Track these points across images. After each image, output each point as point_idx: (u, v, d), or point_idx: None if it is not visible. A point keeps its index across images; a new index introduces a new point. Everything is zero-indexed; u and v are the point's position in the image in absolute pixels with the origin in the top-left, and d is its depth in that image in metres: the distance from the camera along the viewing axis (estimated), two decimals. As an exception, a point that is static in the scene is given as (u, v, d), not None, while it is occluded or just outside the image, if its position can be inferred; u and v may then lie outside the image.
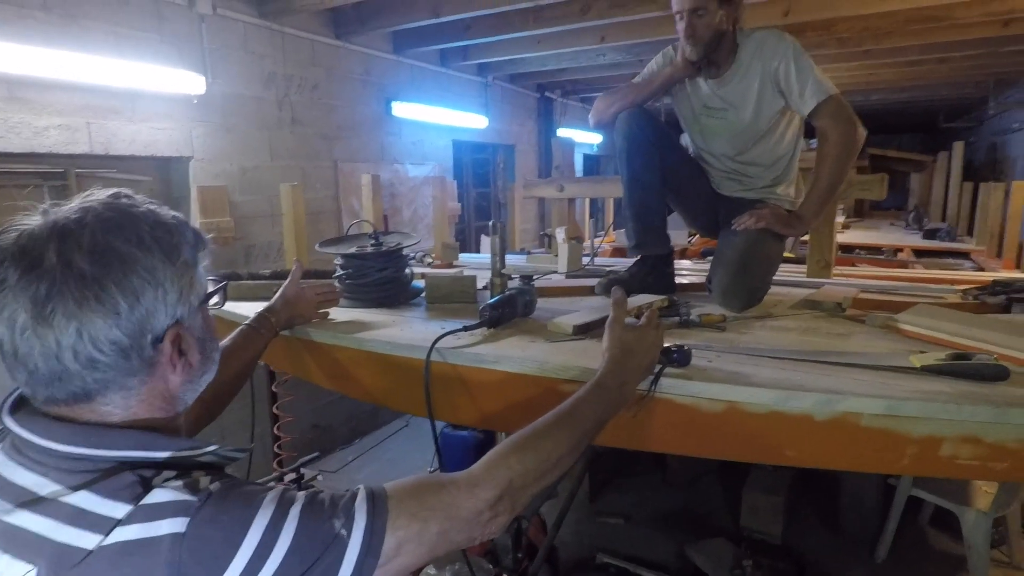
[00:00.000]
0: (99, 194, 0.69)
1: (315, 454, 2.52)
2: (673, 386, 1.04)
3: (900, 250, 4.83)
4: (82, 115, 2.87)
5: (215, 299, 0.81)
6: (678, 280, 1.99)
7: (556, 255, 2.68)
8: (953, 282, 2.18)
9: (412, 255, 3.14)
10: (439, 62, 5.24)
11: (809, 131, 1.87)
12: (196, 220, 3.33)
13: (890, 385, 1.00)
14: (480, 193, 6.53)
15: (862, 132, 1.68)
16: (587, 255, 2.76)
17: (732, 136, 1.82)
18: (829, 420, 0.97)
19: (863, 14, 4.01)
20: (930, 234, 5.38)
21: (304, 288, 1.49)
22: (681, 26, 1.70)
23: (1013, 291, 1.67)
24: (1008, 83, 7.17)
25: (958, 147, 6.82)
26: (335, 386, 1.50)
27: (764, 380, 1.03)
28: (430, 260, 2.99)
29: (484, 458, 0.79)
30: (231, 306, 1.73)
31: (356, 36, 4.28)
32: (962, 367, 1.02)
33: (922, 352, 1.14)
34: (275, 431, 2.83)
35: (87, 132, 2.90)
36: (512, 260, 2.87)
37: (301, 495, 0.66)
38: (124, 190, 0.72)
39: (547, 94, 7.06)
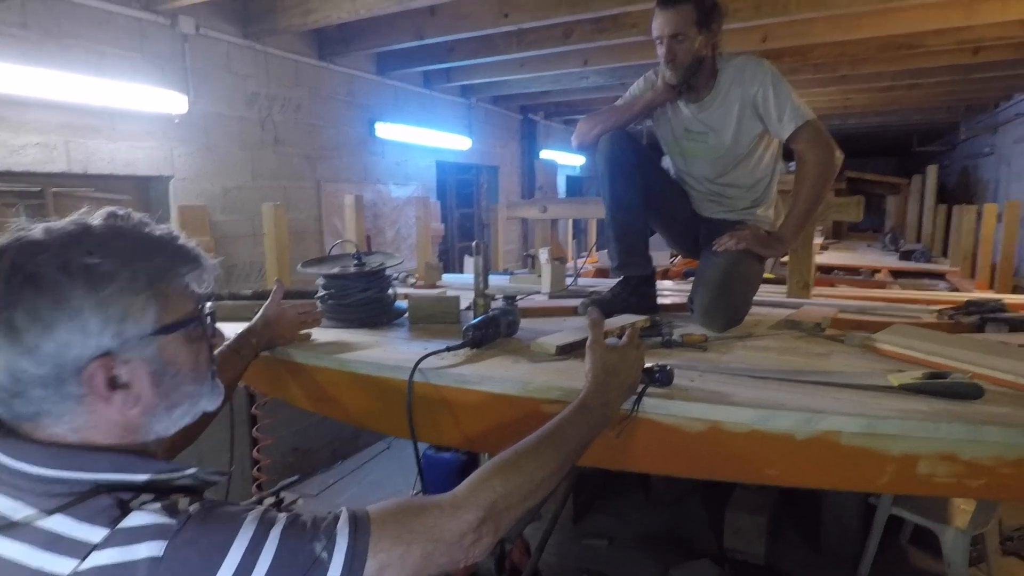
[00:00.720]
0: (96, 213, 0.69)
1: (295, 477, 2.48)
2: (656, 406, 1.05)
3: (877, 271, 4.91)
4: (60, 133, 2.85)
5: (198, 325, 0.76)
6: (660, 300, 2.01)
7: (539, 275, 2.69)
8: (929, 302, 2.22)
9: (395, 275, 3.13)
10: (423, 83, 5.29)
11: (788, 154, 1.90)
12: (176, 239, 3.28)
13: (869, 404, 1.01)
14: (463, 214, 6.55)
15: (839, 156, 1.72)
16: (570, 275, 2.77)
17: (712, 159, 1.85)
18: (809, 439, 0.97)
19: (838, 41, 4.13)
20: (906, 255, 5.49)
21: (286, 308, 1.48)
22: (662, 51, 1.73)
23: (986, 311, 1.71)
24: (978, 109, 7.41)
25: (932, 170, 7.01)
26: (316, 408, 1.48)
27: (745, 399, 1.04)
28: (413, 280, 2.98)
29: (467, 480, 0.78)
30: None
31: (340, 57, 4.30)
32: (938, 386, 1.03)
33: (899, 371, 1.16)
34: (254, 454, 2.78)
35: (65, 151, 2.87)
36: (495, 280, 2.87)
37: (282, 516, 0.65)
38: (118, 209, 0.71)
39: (530, 116, 7.14)
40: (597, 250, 4.30)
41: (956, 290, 3.84)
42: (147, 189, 3.39)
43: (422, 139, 5.19)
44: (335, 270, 1.82)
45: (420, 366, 1.24)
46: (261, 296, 2.05)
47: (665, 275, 4.00)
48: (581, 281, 2.86)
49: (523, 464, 0.81)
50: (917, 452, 0.93)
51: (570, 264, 3.08)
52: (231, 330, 1.38)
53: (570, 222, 5.05)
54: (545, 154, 7.42)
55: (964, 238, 4.48)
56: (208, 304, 0.78)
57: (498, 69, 4.97)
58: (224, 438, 1.74)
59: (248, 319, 1.40)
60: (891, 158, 12.61)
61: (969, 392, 1.02)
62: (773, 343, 1.52)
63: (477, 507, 0.74)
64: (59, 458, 0.62)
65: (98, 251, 0.65)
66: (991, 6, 3.45)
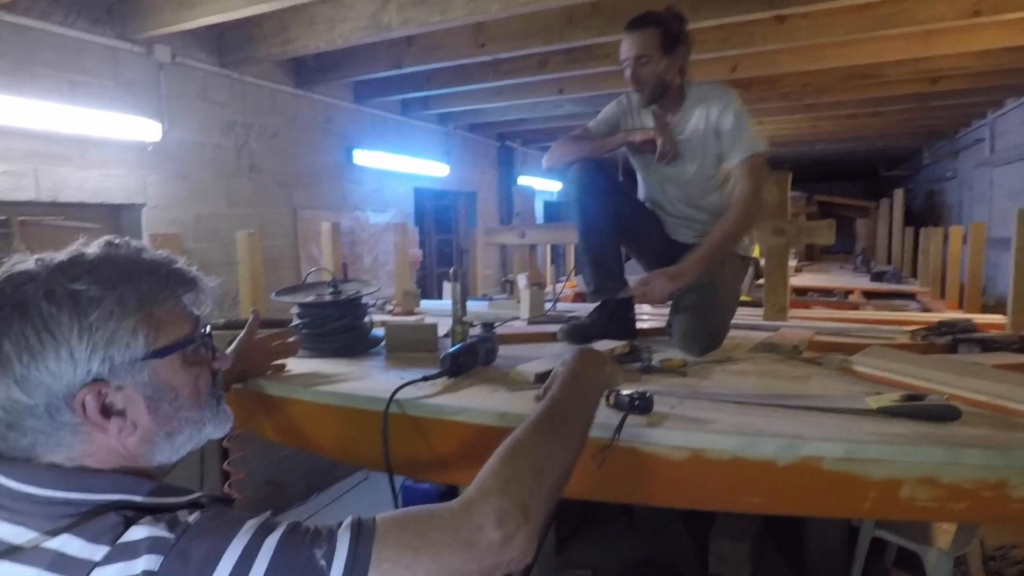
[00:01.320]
0: (94, 242, 0.70)
1: (268, 513, 2.39)
2: (637, 434, 1.03)
3: (850, 292, 5.00)
4: (29, 161, 2.79)
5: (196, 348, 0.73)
6: (639, 325, 2.01)
7: (518, 301, 2.68)
8: (902, 323, 2.25)
9: (373, 302, 3.09)
10: (400, 111, 5.31)
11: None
12: (147, 269, 3.23)
13: (849, 428, 1.00)
14: (442, 240, 6.54)
15: (765, 200, 1.72)
16: (549, 301, 2.76)
17: (684, 182, 1.87)
18: (792, 465, 0.96)
19: (803, 71, 4.26)
20: (877, 277, 5.61)
21: (261, 338, 1.44)
22: (628, 73, 1.77)
23: (958, 331, 1.74)
24: (939, 135, 7.67)
25: (899, 194, 7.21)
26: (290, 441, 1.44)
27: (727, 426, 1.02)
28: (391, 307, 2.95)
29: (474, 479, 0.73)
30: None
31: (317, 86, 4.31)
32: (916, 408, 1.03)
33: (877, 393, 1.16)
34: (225, 489, 2.68)
35: (34, 179, 2.80)
36: (474, 306, 2.85)
37: (283, 524, 0.63)
38: (115, 237, 0.71)
39: (507, 143, 7.20)
40: (575, 275, 4.31)
41: (927, 310, 3.92)
42: (118, 217, 3.33)
43: (400, 166, 5.20)
44: (310, 299, 1.79)
45: (396, 396, 1.21)
46: (234, 325, 2.00)
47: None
48: (560, 306, 2.85)
49: (527, 441, 0.76)
50: (899, 476, 0.92)
51: (549, 289, 3.08)
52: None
53: (548, 247, 5.07)
54: (523, 180, 7.46)
55: (932, 259, 4.59)
56: (208, 326, 0.77)
57: (475, 97, 5.02)
58: (194, 472, 1.68)
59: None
60: (859, 182, 12.94)
61: (946, 414, 1.02)
62: (752, 367, 1.52)
63: (488, 495, 0.67)
64: (63, 479, 0.63)
65: (86, 277, 0.65)
66: (947, 38, 3.59)
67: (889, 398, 1.08)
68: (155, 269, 0.70)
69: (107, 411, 0.66)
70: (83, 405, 0.64)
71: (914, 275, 5.88)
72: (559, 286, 3.28)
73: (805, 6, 2.93)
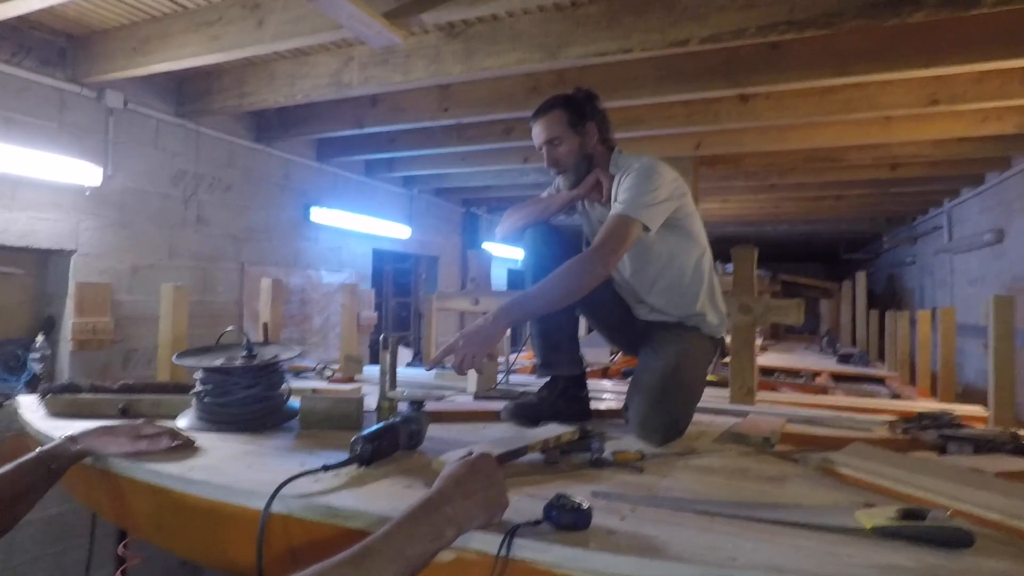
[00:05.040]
0: None
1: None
2: (572, 558, 0.79)
3: (818, 374, 4.88)
4: (-55, 200, 2.55)
5: None
6: (597, 405, 1.80)
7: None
8: (877, 411, 2.10)
9: (314, 366, 2.84)
10: (364, 172, 5.20)
11: (724, 256, 1.77)
12: (70, 319, 2.96)
13: (840, 556, 0.79)
14: (400, 303, 6.33)
15: (603, 269, 1.49)
16: (502, 372, 2.55)
17: (628, 256, 1.69)
18: (770, 607, 0.74)
19: (767, 151, 4.30)
20: (844, 359, 5.54)
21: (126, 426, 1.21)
22: (545, 158, 1.72)
23: (942, 425, 1.57)
24: (897, 221, 7.89)
25: (861, 277, 7.30)
26: (154, 539, 1.15)
27: (689, 549, 0.80)
28: (331, 373, 2.70)
29: None
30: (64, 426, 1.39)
31: (278, 141, 4.18)
32: (920, 531, 0.83)
33: (867, 505, 0.97)
34: (117, 580, 2.30)
35: (-51, 219, 2.56)
36: (421, 376, 2.63)
37: None
38: None
39: (472, 209, 7.14)
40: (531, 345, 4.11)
41: (897, 396, 3.80)
42: (45, 263, 3.07)
43: (360, 226, 5.02)
44: (218, 363, 1.55)
45: (285, 492, 0.96)
46: (130, 389, 1.75)
47: (605, 373, 3.81)
48: (514, 379, 2.64)
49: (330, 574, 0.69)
50: (909, 630, 0.71)
51: (502, 360, 2.86)
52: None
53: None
54: (487, 246, 7.35)
55: (900, 344, 4.53)
56: None
57: (440, 162, 4.95)
58: (79, 557, 1.38)
59: (111, 416, 1.12)
60: (820, 263, 13.24)
61: (958, 539, 0.82)
62: (719, 462, 1.31)
63: None
64: None
65: None
66: (906, 126, 3.66)
67: (884, 514, 0.88)
68: None
69: None
70: None
71: (880, 358, 5.84)
72: (513, 356, 3.07)
73: (768, 86, 2.94)
